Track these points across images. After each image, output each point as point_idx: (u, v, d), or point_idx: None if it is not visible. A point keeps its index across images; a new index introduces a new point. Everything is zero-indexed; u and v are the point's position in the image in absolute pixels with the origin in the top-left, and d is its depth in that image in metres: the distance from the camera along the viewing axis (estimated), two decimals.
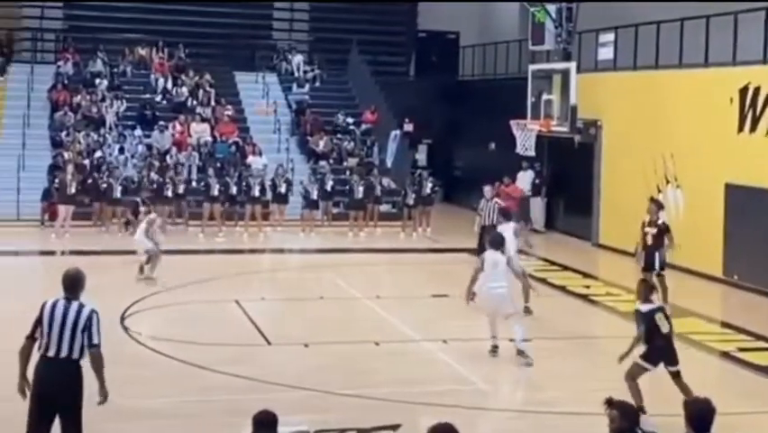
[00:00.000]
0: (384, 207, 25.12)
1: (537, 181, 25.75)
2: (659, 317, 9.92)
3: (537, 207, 25.77)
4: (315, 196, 24.08)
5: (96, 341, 7.60)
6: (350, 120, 29.23)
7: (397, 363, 12.39)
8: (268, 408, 6.25)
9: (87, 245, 20.90)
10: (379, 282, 18.43)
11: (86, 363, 7.63)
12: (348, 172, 26.00)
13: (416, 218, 24.32)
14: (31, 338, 7.65)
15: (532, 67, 23.51)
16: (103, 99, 27.86)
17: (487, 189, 18.00)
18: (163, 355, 12.23)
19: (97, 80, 28.60)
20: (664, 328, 9.88)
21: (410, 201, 24.26)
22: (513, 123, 23.06)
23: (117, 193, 23.39)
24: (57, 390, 7.54)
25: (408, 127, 29.86)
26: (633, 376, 9.84)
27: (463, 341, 13.10)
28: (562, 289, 17.54)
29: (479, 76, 31.45)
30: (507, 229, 14.30)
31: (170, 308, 15.16)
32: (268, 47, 32.19)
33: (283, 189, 23.84)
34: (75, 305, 7.66)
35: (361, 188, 24.16)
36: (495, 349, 12.43)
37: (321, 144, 27.72)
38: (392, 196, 25.57)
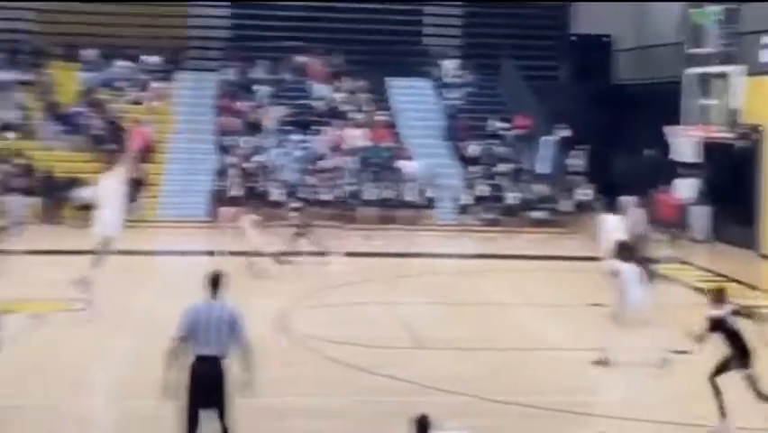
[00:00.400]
0: (537, 214, 25.08)
1: (701, 189, 24.91)
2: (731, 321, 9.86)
3: (698, 215, 24.94)
4: (463, 201, 24.29)
5: (242, 338, 7.87)
6: (502, 125, 29.29)
7: (552, 371, 12.44)
8: (426, 411, 6.48)
9: (245, 246, 21.73)
10: (534, 289, 18.39)
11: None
12: (500, 178, 26.09)
13: (571, 225, 24.14)
14: (179, 339, 7.92)
15: (690, 70, 23.04)
16: (263, 105, 28.90)
17: (628, 200, 17.74)
18: (322, 356, 12.67)
19: (259, 87, 29.69)
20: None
21: (564, 208, 24.12)
22: (668, 128, 22.67)
23: (276, 196, 24.26)
24: (208, 387, 7.78)
25: (561, 133, 29.67)
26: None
27: (619, 351, 13.04)
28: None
29: (634, 80, 30.95)
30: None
31: (328, 310, 15.64)
32: (420, 53, 32.60)
33: (432, 194, 24.16)
34: (219, 304, 7.95)
35: (513, 194, 24.22)
36: (648, 361, 12.36)
37: (473, 150, 27.92)
38: (545, 202, 25.51)
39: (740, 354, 9.80)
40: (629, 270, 12.45)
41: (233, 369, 7.94)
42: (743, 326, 9.91)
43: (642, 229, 16.56)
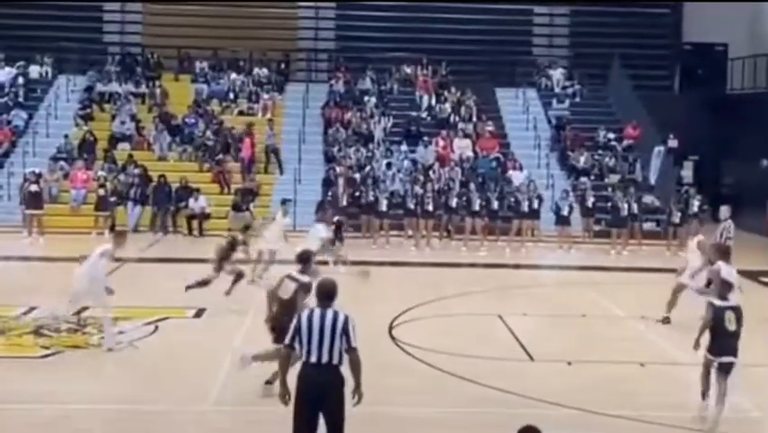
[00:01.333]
0: (648, 225, 24.69)
1: None
2: (729, 315, 10.35)
3: None
4: (566, 212, 24.06)
5: (353, 345, 7.87)
6: (611, 135, 28.92)
7: (664, 385, 12.23)
8: (533, 423, 6.47)
9: (356, 256, 21.99)
10: (645, 301, 18.04)
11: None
12: (610, 189, 25.76)
13: (682, 237, 23.69)
14: (290, 346, 8.00)
15: None
16: (371, 116, 29.19)
17: (723, 210, 17.39)
18: (429, 366, 12.73)
19: (366, 98, 30.01)
20: (731, 326, 10.33)
21: (675, 219, 23.68)
22: None
23: (383, 206, 24.45)
24: (320, 394, 7.82)
25: (673, 143, 29.11)
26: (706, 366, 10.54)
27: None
28: None
29: (749, 89, 30.17)
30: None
31: (436, 320, 15.71)
32: (528, 62, 32.45)
33: (535, 205, 24.02)
34: (330, 312, 7.97)
35: (624, 205, 23.88)
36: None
37: (582, 160, 27.63)
38: (656, 214, 25.07)
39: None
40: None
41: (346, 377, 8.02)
42: None
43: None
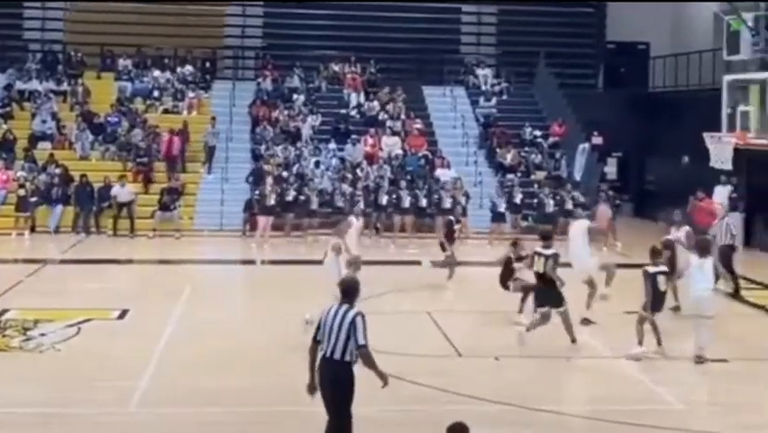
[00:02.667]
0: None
1: (734, 196, 24.85)
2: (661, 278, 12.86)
3: (734, 223, 24.76)
4: (501, 209, 24.24)
5: (361, 342, 8.15)
6: (537, 133, 29.22)
7: (590, 380, 12.38)
8: (464, 420, 6.48)
9: (286, 255, 21.87)
10: (568, 296, 18.25)
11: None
12: (537, 186, 26.02)
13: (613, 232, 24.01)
14: (315, 340, 8.37)
15: (727, 77, 22.86)
16: (299, 114, 29.02)
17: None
18: (359, 364, 12.68)
19: (294, 96, 29.83)
20: (663, 287, 12.90)
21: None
22: (707, 135, 22.48)
23: (314, 205, 24.34)
24: (328, 388, 8.22)
25: (597, 140, 29.53)
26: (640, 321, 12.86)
27: (656, 360, 12.96)
28: (763, 308, 16.96)
29: (671, 87, 30.75)
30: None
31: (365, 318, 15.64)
32: (455, 61, 32.61)
33: (463, 202, 24.14)
34: (344, 309, 8.31)
35: (551, 202, 24.14)
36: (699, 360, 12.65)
37: (509, 157, 27.86)
38: (581, 209, 25.35)
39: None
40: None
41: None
42: None
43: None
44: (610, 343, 14.00)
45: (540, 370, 12.69)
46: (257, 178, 25.59)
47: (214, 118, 27.99)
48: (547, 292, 13.51)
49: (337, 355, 8.17)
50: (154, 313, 15.31)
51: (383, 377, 8.33)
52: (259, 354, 13.10)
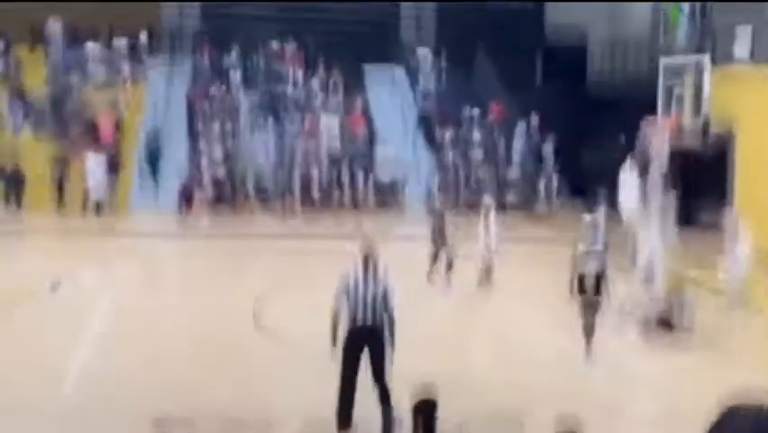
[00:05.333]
0: (509, 198, 25.20)
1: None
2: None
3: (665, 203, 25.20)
4: (438, 186, 24.34)
5: (390, 307, 9.06)
6: (476, 113, 29.28)
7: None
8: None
9: (221, 232, 21.67)
10: (513, 276, 18.17)
11: None
12: (473, 164, 26.15)
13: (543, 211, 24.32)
14: (337, 307, 9.15)
15: (664, 61, 23.15)
16: (237, 91, 28.70)
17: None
18: (294, 346, 12.60)
19: (231, 72, 29.47)
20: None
21: (540, 193, 24.24)
22: (644, 121, 22.78)
23: (249, 183, 24.13)
24: (360, 353, 9.01)
25: (535, 121, 29.73)
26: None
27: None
28: None
29: (608, 71, 31.07)
30: None
31: (301, 299, 15.57)
32: (396, 40, 32.51)
33: (400, 180, 24.20)
34: (372, 278, 9.09)
35: (486, 179, 24.30)
36: None
37: (447, 136, 27.90)
38: (517, 188, 25.60)
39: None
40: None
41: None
42: None
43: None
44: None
45: (471, 348, 12.71)
46: (193, 156, 25.17)
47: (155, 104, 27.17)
48: None
49: (369, 322, 9.01)
50: (88, 290, 15.03)
51: (391, 350, 9.06)
52: (194, 329, 12.95)
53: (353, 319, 9.00)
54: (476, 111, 29.23)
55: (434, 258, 16.64)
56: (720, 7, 22.00)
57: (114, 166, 24.86)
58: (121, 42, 29.94)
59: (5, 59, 28.86)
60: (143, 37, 30.59)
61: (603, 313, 11.88)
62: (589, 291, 11.75)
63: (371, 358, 9.00)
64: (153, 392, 10.21)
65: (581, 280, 11.84)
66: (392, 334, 9.03)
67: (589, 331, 11.74)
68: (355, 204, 24.42)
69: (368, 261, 9.14)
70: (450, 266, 16.27)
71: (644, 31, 28.51)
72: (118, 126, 26.72)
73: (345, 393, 9.05)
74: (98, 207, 23.88)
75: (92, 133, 26.48)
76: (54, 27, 30.04)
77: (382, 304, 8.98)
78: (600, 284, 11.79)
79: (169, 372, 10.96)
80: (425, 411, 7.53)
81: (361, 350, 8.99)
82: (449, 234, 16.52)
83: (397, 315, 9.20)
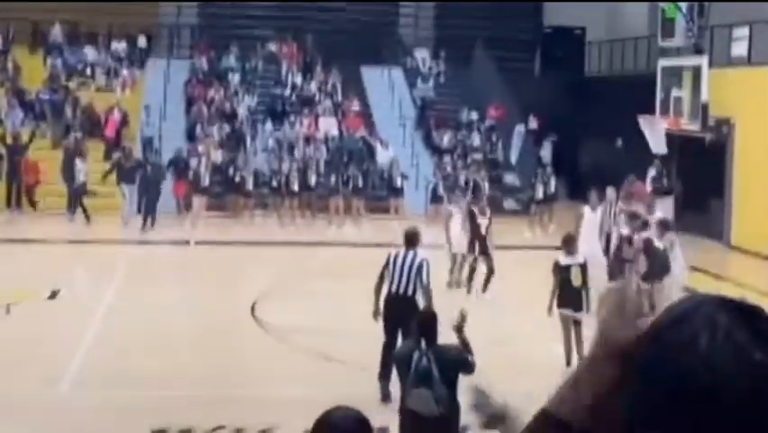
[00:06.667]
0: (508, 204, 25.18)
1: (659, 180, 25.06)
2: (575, 271, 11.41)
3: (662, 207, 24.97)
4: (441, 191, 24.32)
5: (425, 281, 10.07)
6: (474, 115, 29.32)
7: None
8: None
9: (219, 236, 21.67)
10: (503, 280, 18.32)
11: None
12: (472, 168, 26.13)
13: (542, 216, 24.30)
14: (381, 278, 10.36)
15: (661, 62, 23.18)
16: (235, 93, 28.72)
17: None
18: (294, 346, 12.65)
19: (230, 75, 29.48)
20: (576, 282, 11.35)
21: (539, 197, 24.23)
22: (641, 119, 22.80)
23: (249, 185, 24.15)
24: (398, 319, 9.85)
25: (533, 124, 29.76)
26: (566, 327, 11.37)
27: None
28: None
29: (606, 72, 31.09)
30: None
31: (300, 299, 15.59)
32: (394, 42, 32.53)
33: (398, 183, 24.18)
34: (411, 253, 10.27)
35: (486, 184, 24.28)
36: None
37: (445, 140, 27.93)
38: (517, 192, 25.60)
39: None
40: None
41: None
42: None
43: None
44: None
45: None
46: (191, 159, 25.17)
47: (147, 107, 27.21)
48: None
49: (408, 292, 10.05)
50: (86, 294, 15.05)
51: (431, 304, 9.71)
52: (190, 337, 12.97)
53: (390, 288, 10.13)
54: (474, 114, 29.26)
55: (471, 271, 15.51)
56: (718, 8, 22.00)
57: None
58: (120, 45, 29.97)
59: (4, 60, 28.86)
60: (142, 40, 30.63)
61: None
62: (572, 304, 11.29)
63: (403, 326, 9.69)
64: (151, 399, 10.25)
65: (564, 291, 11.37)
66: (429, 301, 9.81)
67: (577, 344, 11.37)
68: (354, 207, 24.40)
69: (409, 240, 10.35)
70: (489, 278, 15.17)
71: (643, 30, 28.53)
72: (120, 129, 26.72)
73: (384, 360, 9.93)
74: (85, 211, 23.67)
75: (94, 134, 26.51)
76: (54, 29, 30.06)
77: (417, 276, 10.00)
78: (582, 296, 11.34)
79: (169, 372, 11.00)
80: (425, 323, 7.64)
81: (397, 318, 9.84)
82: (490, 242, 15.44)
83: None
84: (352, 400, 9.73)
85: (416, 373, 7.19)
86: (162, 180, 23.27)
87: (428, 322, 7.62)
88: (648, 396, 1.17)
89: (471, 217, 15.92)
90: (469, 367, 7.42)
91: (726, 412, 1.11)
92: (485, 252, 15.50)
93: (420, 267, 10.07)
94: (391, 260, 10.25)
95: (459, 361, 7.42)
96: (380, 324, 10.37)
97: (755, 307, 1.18)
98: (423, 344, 7.34)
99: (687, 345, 1.14)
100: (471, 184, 23.18)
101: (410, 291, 10.07)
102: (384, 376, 9.99)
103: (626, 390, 1.21)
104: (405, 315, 9.63)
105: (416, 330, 7.70)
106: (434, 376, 7.16)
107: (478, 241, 15.56)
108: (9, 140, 24.66)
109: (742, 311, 1.16)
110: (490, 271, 15.28)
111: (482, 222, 15.65)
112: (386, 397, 9.85)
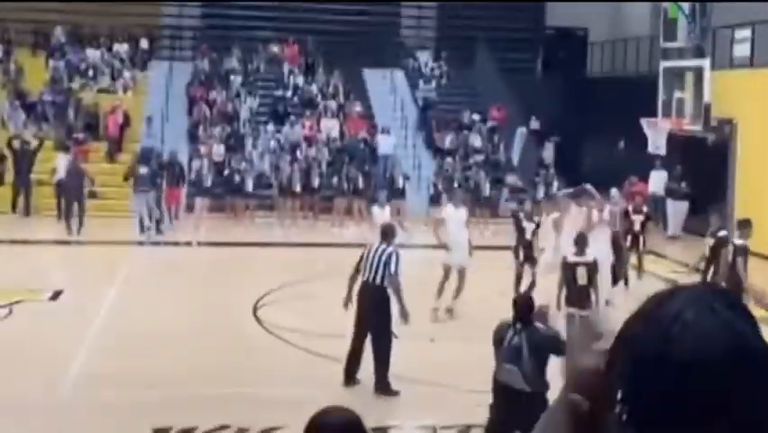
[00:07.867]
0: (510, 205, 25.12)
1: (670, 182, 25.01)
2: (581, 270, 11.42)
3: (671, 209, 24.92)
4: (438, 192, 24.29)
5: (392, 271, 10.63)
6: (476, 117, 29.29)
7: None
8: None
9: (221, 237, 21.67)
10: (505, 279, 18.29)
11: None
12: (475, 169, 26.13)
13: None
14: (356, 270, 10.92)
15: (664, 64, 23.14)
16: (237, 95, 28.73)
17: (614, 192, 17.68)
18: (296, 347, 12.65)
19: (232, 76, 29.50)
20: (582, 280, 11.35)
21: (540, 198, 24.19)
22: (644, 121, 22.76)
23: (250, 187, 24.15)
24: (368, 311, 10.48)
25: (535, 125, 29.72)
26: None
27: None
28: None
29: (608, 73, 31.07)
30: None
31: (301, 301, 15.60)
32: (395, 44, 32.53)
33: (400, 184, 24.16)
34: (383, 246, 10.87)
35: (487, 186, 24.27)
36: None
37: (447, 141, 27.92)
38: (518, 194, 25.54)
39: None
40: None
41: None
42: None
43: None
44: None
45: (470, 352, 12.72)
46: (193, 160, 25.13)
47: (150, 119, 27.04)
48: None
49: (377, 281, 10.61)
50: (88, 295, 15.06)
51: (404, 311, 10.69)
52: (193, 337, 12.97)
53: (363, 277, 10.71)
54: (476, 115, 29.24)
55: (518, 278, 14.73)
56: (720, 9, 21.98)
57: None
58: (122, 47, 29.99)
59: (8, 62, 28.87)
60: (145, 42, 30.66)
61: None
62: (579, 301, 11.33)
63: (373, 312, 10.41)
64: (153, 400, 10.25)
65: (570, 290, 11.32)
66: (397, 293, 10.57)
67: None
68: (355, 209, 24.38)
69: (384, 233, 11.08)
70: (531, 288, 13.88)
71: (645, 31, 28.51)
72: (122, 130, 26.72)
73: (353, 349, 10.58)
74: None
75: (97, 137, 26.52)
76: (57, 30, 30.09)
77: (386, 266, 10.56)
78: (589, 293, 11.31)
79: (170, 372, 11.00)
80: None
81: (367, 307, 10.43)
82: (536, 247, 14.71)
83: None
84: (352, 401, 9.80)
85: (508, 350, 7.83)
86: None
87: (525, 304, 8.15)
88: (636, 367, 1.23)
89: (516, 222, 15.49)
90: (560, 351, 7.95)
91: (711, 376, 1.19)
92: (530, 257, 14.90)
93: (389, 258, 10.67)
94: (365, 252, 10.91)
95: (551, 343, 7.99)
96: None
97: (729, 290, 1.33)
98: (518, 324, 7.87)
99: (675, 318, 1.23)
100: (518, 187, 23.05)
101: (379, 280, 10.67)
102: (350, 362, 10.72)
103: (613, 367, 1.28)
104: (374, 301, 10.51)
105: (512, 310, 8.11)
106: (524, 355, 7.74)
107: (522, 247, 15.05)
108: (16, 144, 24.60)
109: (721, 292, 1.29)
110: (532, 284, 14.41)
111: (528, 226, 15.12)
112: (349, 379, 10.64)
